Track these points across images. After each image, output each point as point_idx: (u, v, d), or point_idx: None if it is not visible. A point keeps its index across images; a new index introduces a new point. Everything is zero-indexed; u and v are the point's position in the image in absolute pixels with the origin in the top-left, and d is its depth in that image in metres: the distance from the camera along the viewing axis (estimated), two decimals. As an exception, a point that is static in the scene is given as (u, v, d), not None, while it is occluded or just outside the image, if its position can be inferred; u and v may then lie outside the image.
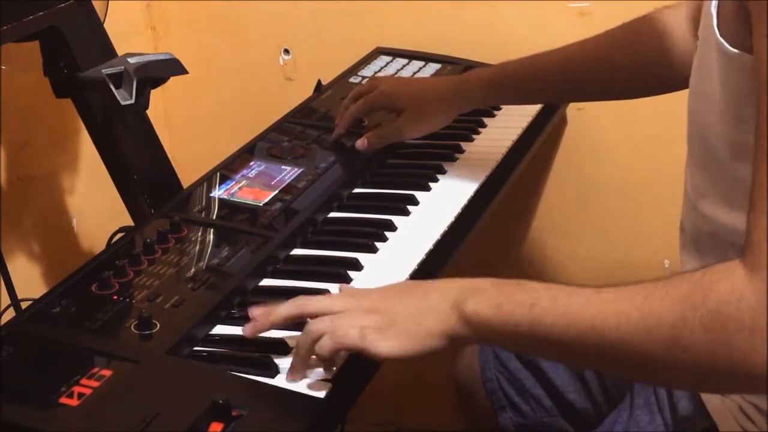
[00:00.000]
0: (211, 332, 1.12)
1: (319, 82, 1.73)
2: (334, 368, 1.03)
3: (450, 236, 1.32)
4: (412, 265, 1.24)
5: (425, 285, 1.05)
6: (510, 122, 1.64)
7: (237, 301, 1.18)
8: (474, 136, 1.60)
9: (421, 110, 1.49)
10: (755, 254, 0.84)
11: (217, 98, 2.06)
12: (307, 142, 1.53)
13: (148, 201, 1.45)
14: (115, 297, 1.13)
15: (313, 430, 0.94)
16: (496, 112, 1.68)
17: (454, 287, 1.01)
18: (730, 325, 0.83)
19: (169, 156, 1.54)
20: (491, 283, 0.99)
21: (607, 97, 1.52)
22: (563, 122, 1.84)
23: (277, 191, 1.38)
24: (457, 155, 1.54)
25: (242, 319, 1.14)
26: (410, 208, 1.37)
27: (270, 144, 1.51)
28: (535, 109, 1.68)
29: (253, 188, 1.39)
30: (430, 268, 1.25)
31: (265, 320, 1.06)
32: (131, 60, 1.38)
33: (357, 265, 1.23)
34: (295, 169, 1.44)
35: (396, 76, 1.72)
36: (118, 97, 1.35)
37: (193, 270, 1.20)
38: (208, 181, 1.41)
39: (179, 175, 1.52)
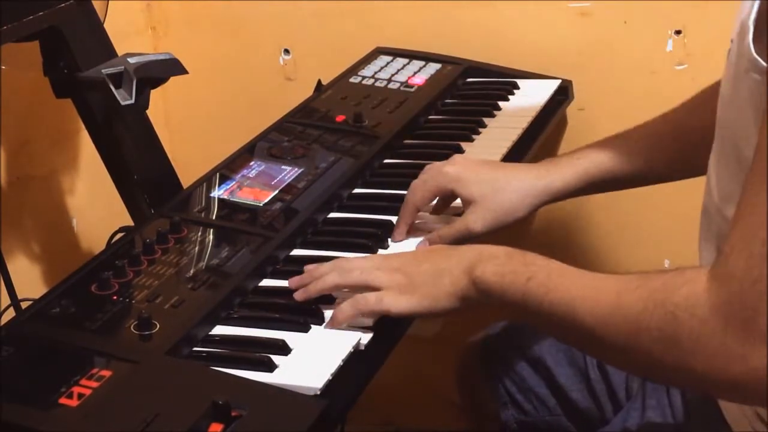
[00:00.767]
0: (210, 332, 1.12)
1: (319, 82, 1.73)
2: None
3: (450, 236, 1.32)
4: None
5: (450, 249, 1.14)
6: (510, 122, 1.64)
7: (237, 302, 1.18)
8: (474, 137, 1.60)
9: (495, 201, 1.30)
10: (721, 265, 0.87)
11: (217, 98, 2.06)
12: (307, 142, 1.53)
13: (148, 201, 1.45)
14: (115, 297, 1.13)
15: (313, 430, 0.93)
16: (496, 113, 1.68)
17: (471, 252, 1.10)
18: (680, 329, 0.88)
19: (169, 156, 1.54)
20: (504, 251, 1.07)
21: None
22: (563, 122, 1.84)
23: (277, 191, 1.38)
24: (457, 155, 1.53)
25: (242, 320, 1.15)
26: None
27: (270, 144, 1.51)
28: (535, 109, 1.68)
29: (253, 188, 1.39)
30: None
31: (314, 288, 1.14)
32: (131, 60, 1.38)
33: (357, 265, 1.23)
34: (295, 169, 1.44)
35: (463, 157, 1.46)
36: (118, 97, 1.35)
37: (193, 270, 1.20)
38: (208, 181, 1.40)
39: (179, 175, 1.52)
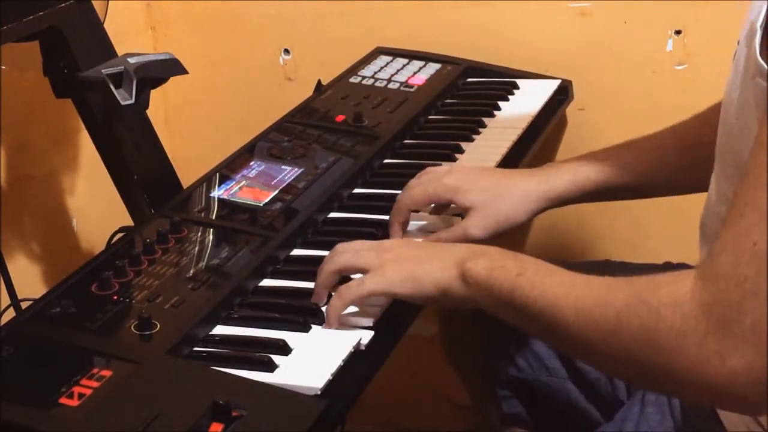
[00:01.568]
0: (211, 332, 1.12)
1: (319, 82, 1.73)
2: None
3: (450, 236, 1.32)
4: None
5: (443, 244, 1.17)
6: (510, 122, 1.64)
7: (237, 302, 1.18)
8: (474, 136, 1.60)
9: (494, 208, 1.30)
10: (708, 264, 0.87)
11: (217, 98, 2.06)
12: (307, 142, 1.53)
13: (148, 201, 1.45)
14: (115, 297, 1.13)
15: (313, 430, 0.93)
16: (496, 112, 1.68)
17: (464, 247, 1.12)
18: (661, 325, 0.87)
19: (169, 156, 1.54)
20: (497, 250, 1.08)
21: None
22: (563, 122, 1.84)
23: (277, 191, 1.38)
24: (456, 155, 1.54)
25: (242, 320, 1.15)
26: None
27: (270, 144, 1.51)
28: (535, 109, 1.68)
29: (253, 188, 1.39)
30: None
31: (318, 288, 1.15)
32: (131, 60, 1.38)
33: (357, 265, 1.23)
34: (295, 169, 1.44)
35: (462, 166, 1.43)
36: (118, 97, 1.35)
37: (193, 270, 1.20)
38: (208, 181, 1.40)
39: (179, 175, 1.52)
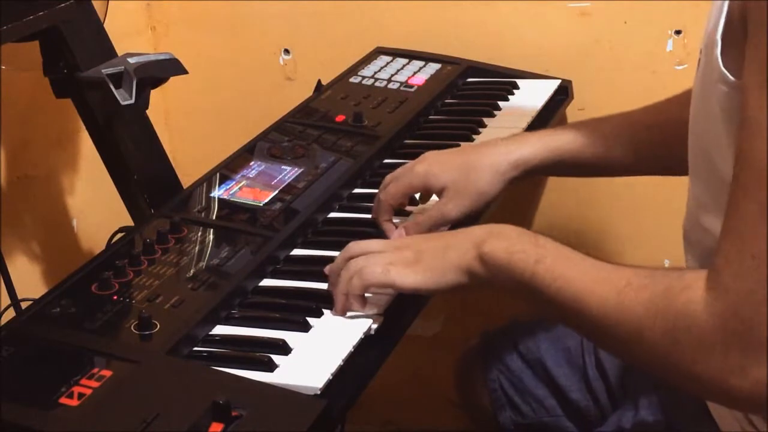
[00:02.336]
0: (211, 332, 1.12)
1: (319, 82, 1.73)
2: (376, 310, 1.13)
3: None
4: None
5: (459, 229, 1.15)
6: (510, 122, 1.64)
7: (237, 302, 1.18)
8: (474, 137, 1.60)
9: (465, 184, 1.30)
10: (719, 276, 0.88)
11: (217, 98, 2.06)
12: (307, 142, 1.53)
13: (148, 201, 1.45)
14: (115, 297, 1.13)
15: (313, 430, 0.93)
16: (496, 112, 1.68)
17: (480, 228, 1.10)
18: (682, 336, 0.89)
19: (169, 156, 1.54)
20: (514, 230, 1.07)
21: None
22: (563, 122, 1.84)
23: (277, 191, 1.38)
24: (457, 155, 1.54)
25: (242, 320, 1.15)
26: (410, 208, 1.37)
27: (270, 144, 1.51)
28: (535, 109, 1.68)
29: (253, 188, 1.39)
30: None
31: (338, 297, 1.13)
32: (131, 60, 1.38)
33: (357, 265, 1.23)
34: (295, 169, 1.44)
35: (433, 152, 1.38)
36: (118, 97, 1.35)
37: (193, 270, 1.20)
38: (208, 181, 1.41)
39: (179, 175, 1.52)
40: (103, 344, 1.06)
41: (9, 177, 1.68)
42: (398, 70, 1.80)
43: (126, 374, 1.00)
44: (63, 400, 0.96)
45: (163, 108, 2.04)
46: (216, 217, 1.33)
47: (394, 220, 1.31)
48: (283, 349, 1.07)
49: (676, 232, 1.16)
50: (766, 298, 0.84)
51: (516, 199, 1.83)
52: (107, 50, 1.46)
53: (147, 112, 1.46)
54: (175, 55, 1.44)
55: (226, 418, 0.93)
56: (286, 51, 1.98)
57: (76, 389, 0.97)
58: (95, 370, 1.00)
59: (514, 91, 1.76)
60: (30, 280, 1.69)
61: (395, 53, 1.86)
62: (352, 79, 1.76)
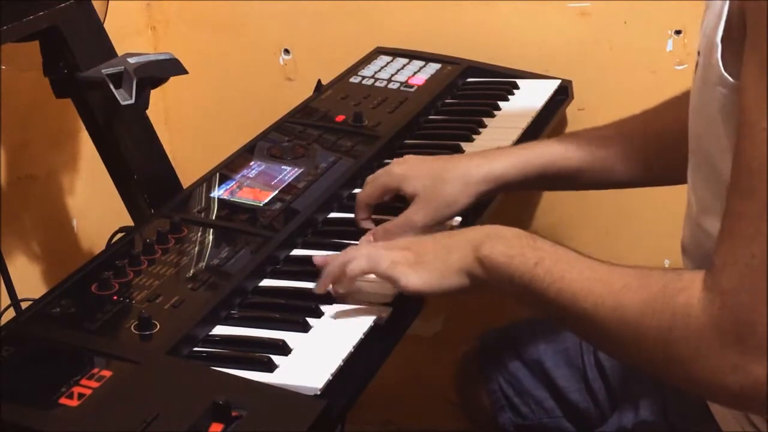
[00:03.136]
0: (211, 332, 1.12)
1: (319, 82, 1.73)
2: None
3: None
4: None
5: (453, 231, 1.17)
6: (510, 122, 1.64)
7: (237, 302, 1.18)
8: (474, 137, 1.60)
9: (435, 193, 1.29)
10: (715, 277, 0.88)
11: (217, 98, 2.06)
12: (307, 142, 1.53)
13: (148, 201, 1.45)
14: (115, 297, 1.13)
15: (313, 430, 0.94)
16: (496, 112, 1.68)
17: (479, 230, 1.11)
18: (678, 336, 0.89)
19: (169, 156, 1.54)
20: (513, 233, 1.08)
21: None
22: (563, 122, 1.84)
23: (277, 191, 1.38)
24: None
25: (242, 320, 1.15)
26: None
27: (270, 144, 1.51)
28: (535, 109, 1.68)
29: (253, 188, 1.39)
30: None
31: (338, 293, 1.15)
32: (131, 60, 1.38)
33: (357, 266, 1.23)
34: (295, 169, 1.44)
35: (414, 156, 1.39)
36: (118, 97, 1.35)
37: (193, 270, 1.20)
38: (208, 181, 1.40)
39: (179, 175, 1.52)
40: (103, 344, 1.06)
41: (9, 177, 1.68)
42: (398, 70, 1.79)
43: (126, 374, 1.00)
44: (63, 400, 0.96)
45: (163, 108, 2.04)
46: (216, 217, 1.33)
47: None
48: (283, 349, 1.07)
49: (677, 233, 1.16)
50: (763, 298, 0.84)
51: (516, 199, 1.83)
52: (107, 50, 1.46)
53: (147, 112, 1.46)
54: (175, 55, 1.43)
55: (226, 418, 0.93)
56: (286, 51, 1.98)
57: (76, 389, 0.97)
58: (95, 370, 1.00)
59: (514, 91, 1.76)
60: (30, 280, 1.69)
61: (395, 53, 1.86)
62: (352, 79, 1.76)
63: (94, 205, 1.82)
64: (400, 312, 1.15)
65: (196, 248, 1.25)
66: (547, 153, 1.33)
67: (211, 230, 1.29)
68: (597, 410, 1.37)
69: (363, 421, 1.99)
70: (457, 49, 1.85)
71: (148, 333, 1.08)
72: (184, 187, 1.44)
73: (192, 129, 2.09)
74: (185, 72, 1.43)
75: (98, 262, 1.21)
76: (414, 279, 1.10)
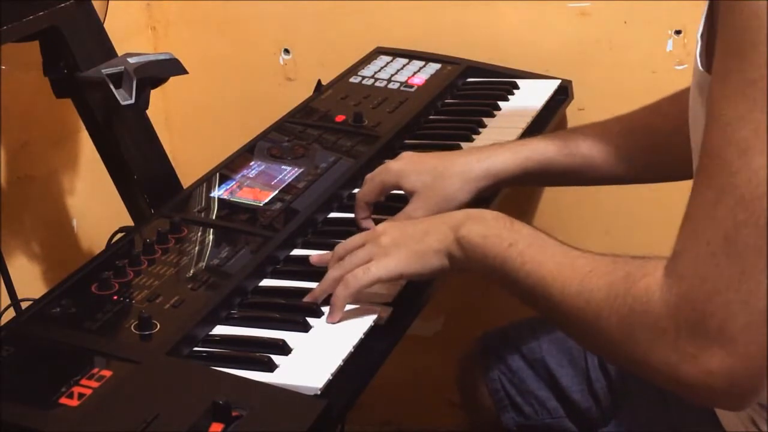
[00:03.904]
0: (211, 332, 1.12)
1: (319, 82, 1.73)
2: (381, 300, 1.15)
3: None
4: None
5: (437, 215, 1.17)
6: (510, 122, 1.64)
7: (237, 302, 1.18)
8: (474, 137, 1.60)
9: (435, 190, 1.30)
10: (675, 263, 0.88)
11: (217, 98, 2.06)
12: (307, 142, 1.53)
13: (148, 201, 1.45)
14: (115, 297, 1.13)
15: (313, 430, 0.93)
16: (496, 112, 1.68)
17: (459, 213, 1.13)
18: (636, 323, 0.89)
19: (169, 156, 1.54)
20: (493, 215, 1.09)
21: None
22: (563, 122, 1.84)
23: (277, 191, 1.38)
24: (457, 155, 1.53)
25: (242, 320, 1.15)
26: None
27: (270, 144, 1.51)
28: (535, 109, 1.68)
29: (253, 188, 1.39)
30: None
31: (322, 295, 1.15)
32: (131, 60, 1.38)
33: (357, 265, 1.23)
34: (295, 169, 1.44)
35: (411, 153, 1.38)
36: (118, 97, 1.35)
37: (193, 270, 1.20)
38: (208, 181, 1.40)
39: (179, 175, 1.52)
40: (103, 344, 1.06)
41: (9, 177, 1.68)
42: (398, 70, 1.80)
43: (126, 374, 1.00)
44: (63, 400, 0.96)
45: (163, 108, 2.04)
46: (216, 217, 1.33)
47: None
48: (283, 349, 1.07)
49: (677, 232, 1.16)
50: (719, 286, 0.83)
51: (516, 199, 1.83)
52: (107, 50, 1.46)
53: (147, 112, 1.46)
54: (175, 55, 1.43)
55: (226, 418, 0.93)
56: (286, 51, 1.98)
57: (76, 389, 0.97)
58: (95, 370, 1.00)
59: (514, 91, 1.76)
60: (30, 280, 1.69)
61: (395, 53, 1.86)
62: (352, 79, 1.76)
63: (94, 205, 1.82)
64: (400, 312, 1.16)
65: (196, 248, 1.25)
66: (547, 149, 1.34)
67: (211, 230, 1.29)
68: (599, 411, 1.37)
69: (363, 421, 1.99)
70: (457, 49, 1.85)
71: (148, 333, 1.08)
72: (184, 187, 1.44)
73: (192, 129, 2.09)
74: (185, 72, 1.43)
75: (98, 262, 1.21)
76: (392, 265, 1.11)
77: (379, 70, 1.79)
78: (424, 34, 1.89)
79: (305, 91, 1.73)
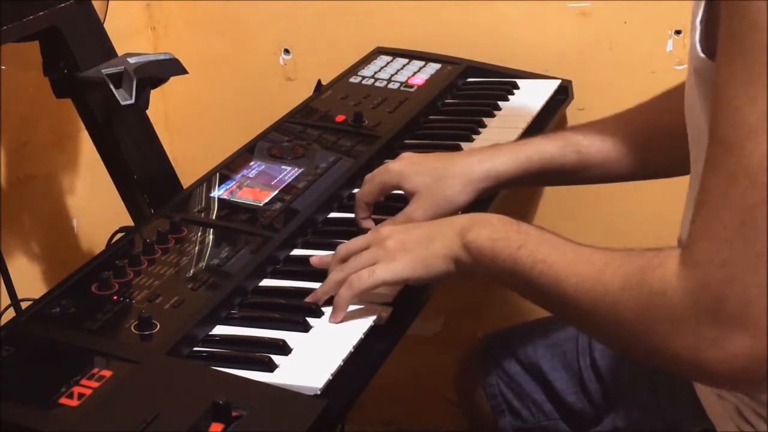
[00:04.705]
0: (211, 332, 1.12)
1: (319, 82, 1.73)
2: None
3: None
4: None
5: (440, 219, 1.17)
6: (510, 122, 1.64)
7: (237, 302, 1.18)
8: (474, 136, 1.60)
9: (435, 191, 1.29)
10: (691, 251, 0.87)
11: (217, 98, 2.06)
12: (307, 142, 1.53)
13: (148, 201, 1.45)
14: (115, 297, 1.13)
15: (313, 430, 0.94)
16: (496, 112, 1.68)
17: (464, 218, 1.13)
18: (654, 313, 0.88)
19: (169, 156, 1.54)
20: (499, 218, 1.09)
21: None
22: (563, 122, 1.84)
23: (277, 191, 1.38)
24: (457, 155, 1.53)
25: (242, 320, 1.15)
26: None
27: (270, 144, 1.51)
28: (535, 109, 1.68)
29: (253, 188, 1.39)
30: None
31: (324, 296, 1.15)
32: (131, 60, 1.38)
33: (357, 265, 1.23)
34: (295, 169, 1.44)
35: (411, 153, 1.38)
36: (118, 97, 1.35)
37: (193, 270, 1.20)
38: (208, 181, 1.41)
39: (179, 175, 1.52)
40: (103, 344, 1.06)
41: (9, 177, 1.68)
42: (398, 70, 1.80)
43: (126, 374, 1.00)
44: (63, 400, 0.96)
45: (163, 108, 2.04)
46: (216, 217, 1.33)
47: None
48: (283, 349, 1.07)
49: (677, 232, 1.16)
50: (737, 269, 0.83)
51: (516, 199, 1.83)
52: (107, 50, 1.46)
53: (147, 112, 1.46)
54: (175, 55, 1.44)
55: (226, 418, 0.93)
56: (286, 51, 1.98)
57: (76, 389, 0.97)
58: (95, 370, 1.00)
59: (514, 91, 1.76)
60: (30, 280, 1.69)
61: (395, 53, 1.86)
62: (352, 79, 1.76)
63: (94, 205, 1.82)
64: (400, 312, 1.16)
65: (196, 248, 1.25)
66: (548, 149, 1.34)
67: (211, 230, 1.29)
68: (592, 410, 1.37)
69: (363, 421, 1.99)
70: (457, 49, 1.85)
71: (148, 333, 1.08)
72: (184, 187, 1.44)
73: (192, 129, 2.09)
74: (185, 72, 1.43)
75: (98, 262, 1.21)
76: (398, 270, 1.11)
77: (379, 70, 1.79)
78: (424, 34, 1.89)
79: (305, 91, 1.73)
